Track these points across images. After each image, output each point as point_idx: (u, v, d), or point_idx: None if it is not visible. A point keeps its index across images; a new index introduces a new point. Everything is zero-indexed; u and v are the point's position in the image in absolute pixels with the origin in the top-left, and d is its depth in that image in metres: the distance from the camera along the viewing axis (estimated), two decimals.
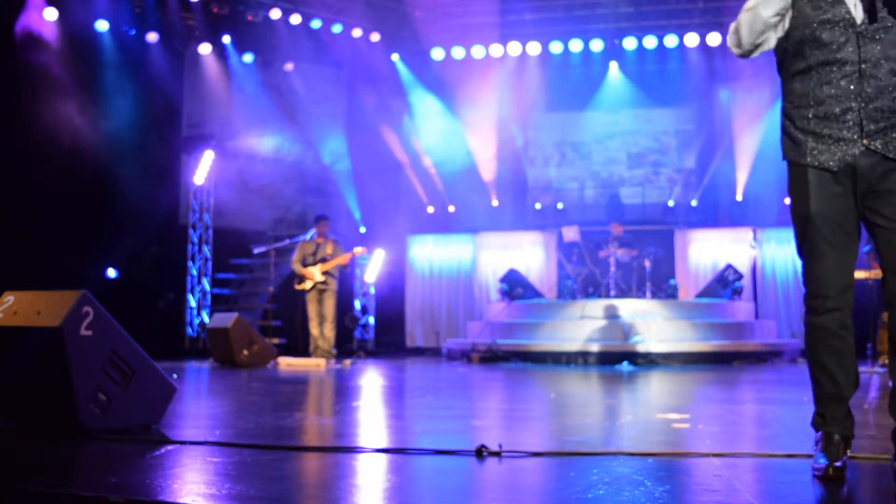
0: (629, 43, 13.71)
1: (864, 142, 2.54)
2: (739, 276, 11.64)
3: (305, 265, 9.88)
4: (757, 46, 2.73)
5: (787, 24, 2.67)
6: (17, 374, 3.47)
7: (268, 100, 13.54)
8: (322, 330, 9.81)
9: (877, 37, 2.55)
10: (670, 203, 13.90)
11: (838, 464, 2.56)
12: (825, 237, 2.59)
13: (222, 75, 13.32)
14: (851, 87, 2.55)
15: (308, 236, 10.78)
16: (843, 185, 2.59)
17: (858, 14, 2.57)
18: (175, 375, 7.13)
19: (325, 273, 9.76)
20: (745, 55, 2.76)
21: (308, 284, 9.78)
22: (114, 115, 11.63)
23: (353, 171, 13.84)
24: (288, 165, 13.42)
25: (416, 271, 13.84)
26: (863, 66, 2.54)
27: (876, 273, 8.48)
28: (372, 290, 13.40)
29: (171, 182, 12.86)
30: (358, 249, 10.13)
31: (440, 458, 2.93)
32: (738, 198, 13.45)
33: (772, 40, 2.72)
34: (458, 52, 14.21)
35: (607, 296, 11.44)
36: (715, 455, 2.95)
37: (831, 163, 2.57)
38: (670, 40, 13.47)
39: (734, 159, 13.50)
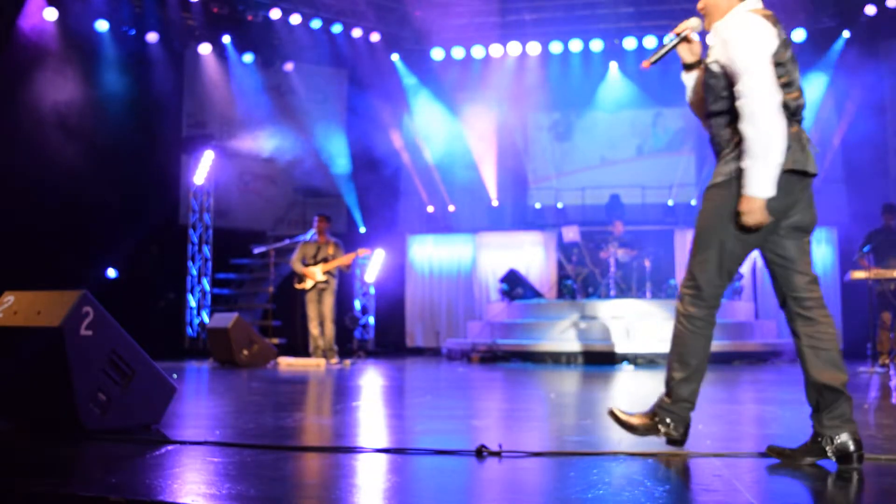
0: (629, 43, 13.70)
1: None
2: (739, 276, 11.64)
3: (305, 265, 9.87)
4: None
5: None
6: (17, 374, 3.47)
7: (268, 100, 13.54)
8: (322, 329, 9.80)
9: None
10: (670, 203, 13.90)
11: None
12: None
13: (222, 75, 13.32)
14: None
15: (308, 236, 10.76)
16: None
17: None
18: (175, 375, 7.13)
19: (326, 273, 9.76)
20: None
21: (308, 284, 9.76)
22: (114, 114, 11.63)
23: (353, 171, 13.85)
24: (288, 165, 13.43)
25: (416, 271, 13.84)
26: None
27: (876, 273, 8.48)
28: (372, 290, 13.40)
29: (171, 182, 12.86)
30: (361, 251, 10.12)
31: (440, 458, 2.93)
32: None
33: None
34: (458, 52, 14.21)
35: (607, 296, 11.43)
36: (715, 455, 2.95)
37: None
38: None
39: None
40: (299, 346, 10.88)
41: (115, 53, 12.15)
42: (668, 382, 2.99)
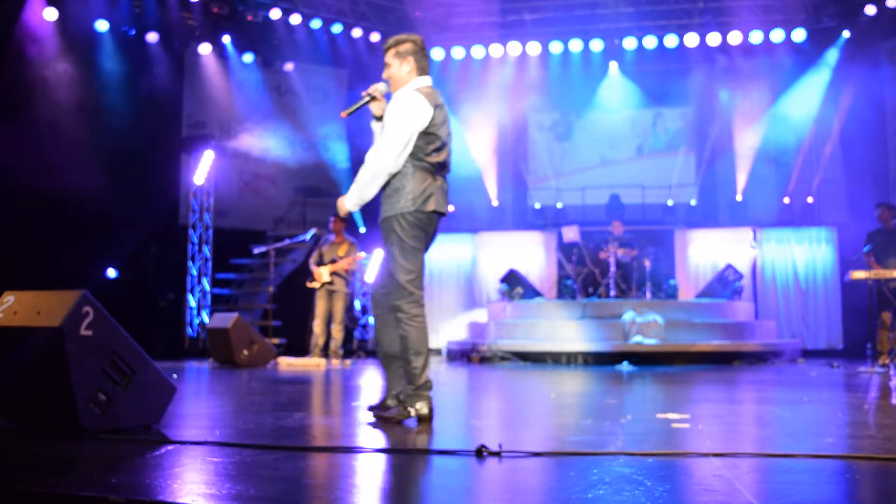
0: (629, 43, 13.70)
1: None
2: (739, 276, 11.64)
3: (322, 264, 9.87)
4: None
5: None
6: (17, 374, 3.46)
7: (268, 100, 13.53)
8: (326, 328, 9.80)
9: None
10: (670, 203, 13.89)
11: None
12: None
13: (222, 75, 13.32)
14: None
15: (308, 236, 10.76)
16: None
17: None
18: (175, 375, 7.13)
19: (333, 274, 9.75)
20: None
21: (317, 284, 9.78)
22: (114, 114, 11.63)
23: (353, 172, 13.81)
24: (288, 165, 13.42)
25: None
26: None
27: (876, 273, 8.48)
28: None
29: (171, 182, 12.86)
30: (360, 254, 10.13)
31: (440, 458, 2.93)
32: (738, 198, 13.45)
33: None
34: (458, 52, 14.21)
35: (607, 296, 11.43)
36: (715, 455, 2.95)
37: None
38: (670, 40, 13.46)
39: (734, 159, 13.50)
40: (299, 346, 10.87)
41: (115, 53, 12.15)
42: (411, 373, 3.89)
